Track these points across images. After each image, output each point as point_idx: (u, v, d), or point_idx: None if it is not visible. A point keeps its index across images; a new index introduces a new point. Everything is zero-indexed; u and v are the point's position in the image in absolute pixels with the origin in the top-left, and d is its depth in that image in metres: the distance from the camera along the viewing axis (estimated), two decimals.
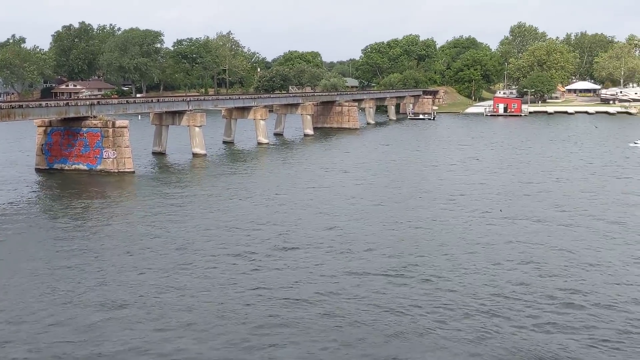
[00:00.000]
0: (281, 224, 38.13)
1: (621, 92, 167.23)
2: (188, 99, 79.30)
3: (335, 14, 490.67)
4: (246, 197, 47.12)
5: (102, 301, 25.46)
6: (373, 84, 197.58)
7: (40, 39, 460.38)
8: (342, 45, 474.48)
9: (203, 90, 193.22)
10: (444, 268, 29.50)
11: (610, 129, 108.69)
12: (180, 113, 74.92)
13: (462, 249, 32.60)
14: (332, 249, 32.72)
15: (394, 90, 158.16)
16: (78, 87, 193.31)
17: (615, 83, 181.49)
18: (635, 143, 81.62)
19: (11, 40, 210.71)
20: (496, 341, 21.73)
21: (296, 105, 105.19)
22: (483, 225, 38.01)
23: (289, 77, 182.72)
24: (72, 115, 59.98)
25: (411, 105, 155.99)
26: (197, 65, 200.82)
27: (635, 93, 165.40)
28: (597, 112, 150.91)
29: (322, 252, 32.16)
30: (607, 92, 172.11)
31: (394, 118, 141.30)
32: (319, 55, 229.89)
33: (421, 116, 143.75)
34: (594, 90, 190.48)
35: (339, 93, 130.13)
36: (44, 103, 59.90)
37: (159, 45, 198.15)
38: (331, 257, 31.40)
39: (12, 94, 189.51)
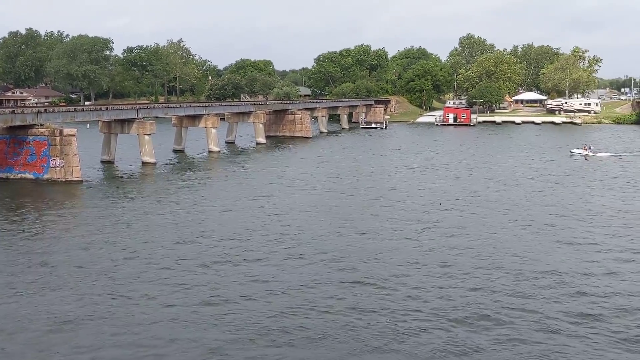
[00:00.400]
0: (233, 234, 37.81)
1: (566, 102, 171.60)
2: (138, 107, 78.21)
3: (287, 22, 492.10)
4: (196, 207, 46.60)
5: (50, 317, 24.79)
6: (326, 93, 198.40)
7: None
8: (294, 54, 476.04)
9: (153, 98, 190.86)
10: (396, 276, 29.66)
11: (555, 139, 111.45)
12: (130, 121, 73.83)
13: (414, 256, 32.85)
14: (286, 259, 32.58)
15: (347, 100, 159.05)
16: (25, 94, 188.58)
17: (560, 94, 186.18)
18: (572, 152, 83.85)
19: None
20: (450, 347, 22.00)
21: (248, 113, 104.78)
22: (434, 232, 38.41)
23: (241, 86, 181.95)
24: (18, 123, 58.47)
25: (363, 115, 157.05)
26: (147, 73, 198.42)
27: (580, 104, 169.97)
28: (543, 122, 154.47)
29: (275, 262, 31.99)
30: (552, 103, 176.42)
31: (347, 127, 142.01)
32: (271, 63, 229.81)
33: (373, 125, 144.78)
34: (540, 101, 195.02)
35: (291, 102, 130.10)
36: None
37: (108, 53, 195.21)
38: (284, 266, 31.27)
39: None
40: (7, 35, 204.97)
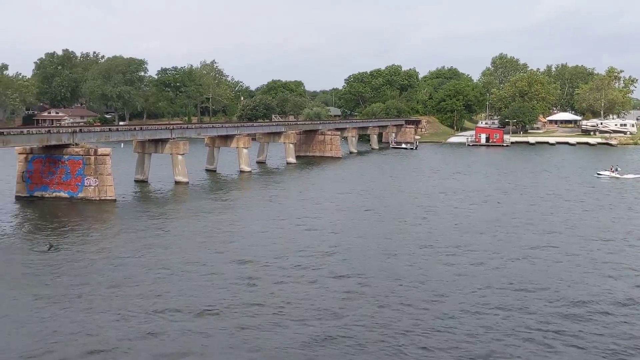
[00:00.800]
0: (266, 253, 37.72)
1: (601, 123, 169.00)
2: (171, 127, 79.07)
3: (318, 44, 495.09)
4: (230, 227, 46.69)
5: (86, 337, 24.88)
6: (356, 113, 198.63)
7: (23, 66, 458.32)
8: (325, 74, 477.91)
9: (186, 118, 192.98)
10: (431, 299, 29.26)
11: (591, 160, 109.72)
12: (163, 141, 74.65)
13: (449, 279, 32.42)
14: (319, 278, 32.37)
15: (377, 120, 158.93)
16: (60, 114, 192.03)
17: (595, 114, 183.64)
18: (599, 174, 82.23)
19: None
20: None
21: (279, 133, 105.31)
22: (468, 256, 37.87)
23: (272, 106, 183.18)
24: (53, 142, 59.46)
25: (393, 135, 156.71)
26: (180, 93, 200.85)
27: (616, 124, 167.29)
28: (578, 143, 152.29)
29: (309, 281, 31.80)
30: (587, 123, 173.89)
31: (377, 147, 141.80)
32: (302, 84, 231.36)
33: (403, 145, 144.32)
34: (575, 121, 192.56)
35: (321, 122, 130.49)
36: (25, 130, 59.36)
37: (142, 74, 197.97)
38: (318, 286, 31.05)
39: None
40: (44, 56, 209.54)
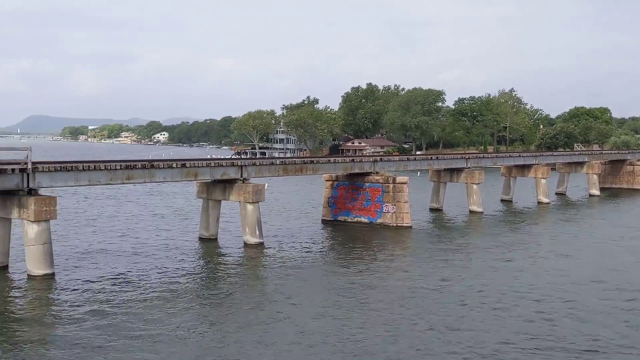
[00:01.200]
0: (563, 292, 35.53)
1: None
2: (467, 157, 79.12)
3: (628, 68, 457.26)
4: (524, 263, 44.90)
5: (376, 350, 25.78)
6: None
7: (331, 100, 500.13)
8: (636, 100, 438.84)
9: (482, 147, 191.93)
10: None
11: None
12: (459, 170, 74.92)
13: None
14: (626, 322, 29.50)
15: None
16: (363, 144, 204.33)
17: None
18: None
19: (306, 102, 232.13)
20: None
21: (581, 163, 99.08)
22: None
23: (573, 135, 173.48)
24: (356, 171, 63.34)
25: None
26: (477, 122, 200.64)
27: None
28: None
29: (611, 327, 29.16)
30: None
31: None
32: (608, 111, 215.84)
33: None
34: None
35: (630, 151, 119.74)
36: (332, 159, 64.30)
37: (440, 104, 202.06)
38: (626, 332, 28.31)
39: (304, 150, 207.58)
40: (349, 90, 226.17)
